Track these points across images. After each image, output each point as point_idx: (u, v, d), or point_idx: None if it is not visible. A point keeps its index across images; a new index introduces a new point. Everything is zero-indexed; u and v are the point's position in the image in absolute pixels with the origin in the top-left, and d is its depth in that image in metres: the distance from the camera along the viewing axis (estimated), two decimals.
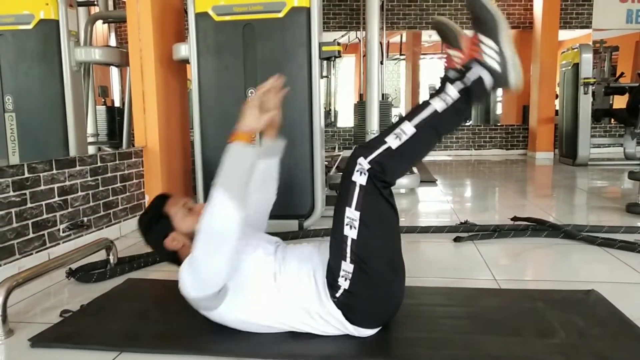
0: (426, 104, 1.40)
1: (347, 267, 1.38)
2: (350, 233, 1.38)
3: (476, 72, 1.38)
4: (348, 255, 1.38)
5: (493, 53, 1.38)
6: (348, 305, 1.40)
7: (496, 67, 1.38)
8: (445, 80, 1.41)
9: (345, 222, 1.38)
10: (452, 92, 1.37)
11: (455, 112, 1.39)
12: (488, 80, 1.39)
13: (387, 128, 1.41)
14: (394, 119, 8.93)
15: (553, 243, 2.60)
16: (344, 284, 1.39)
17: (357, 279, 1.38)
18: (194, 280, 1.36)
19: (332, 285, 1.41)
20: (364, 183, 1.36)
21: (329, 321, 1.43)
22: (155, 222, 1.54)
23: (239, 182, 1.32)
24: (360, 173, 1.36)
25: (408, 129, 1.37)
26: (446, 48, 1.48)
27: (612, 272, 2.14)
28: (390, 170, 1.37)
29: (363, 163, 1.36)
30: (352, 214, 1.37)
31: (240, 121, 1.38)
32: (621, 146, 6.47)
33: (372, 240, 1.39)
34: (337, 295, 1.40)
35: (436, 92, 1.41)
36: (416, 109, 1.41)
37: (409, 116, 1.39)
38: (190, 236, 1.50)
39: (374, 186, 1.36)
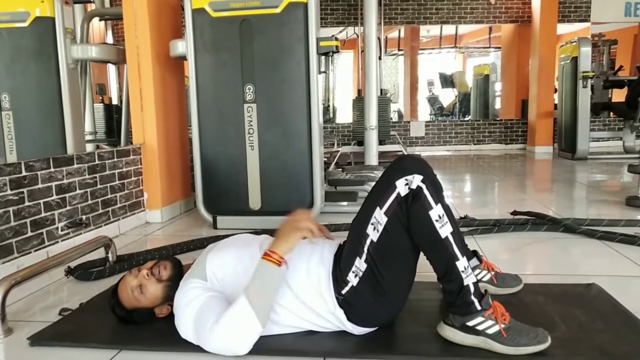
0: (463, 252, 1.36)
1: (360, 264, 1.38)
2: (372, 234, 1.37)
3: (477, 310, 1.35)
4: (364, 253, 1.38)
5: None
6: (350, 305, 1.40)
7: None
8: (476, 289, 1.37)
9: (371, 222, 1.37)
10: (469, 279, 1.35)
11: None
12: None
13: (447, 206, 1.38)
14: (393, 115, 8.92)
15: (553, 237, 2.60)
16: (353, 280, 1.39)
17: (366, 279, 1.38)
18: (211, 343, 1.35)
19: (339, 281, 1.40)
20: (403, 193, 1.35)
21: (329, 319, 1.43)
22: (131, 318, 1.54)
23: (266, 301, 1.32)
24: (407, 184, 1.35)
25: (445, 230, 1.34)
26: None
27: (612, 266, 2.13)
28: (411, 208, 1.35)
29: (416, 179, 1.34)
30: (380, 217, 1.36)
31: (278, 240, 1.36)
32: (620, 140, 6.47)
33: (391, 250, 1.38)
34: (343, 292, 1.39)
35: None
36: (462, 244, 1.37)
37: (456, 234, 1.36)
38: (164, 299, 1.51)
39: (411, 202, 1.34)
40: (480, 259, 1.76)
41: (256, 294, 1.30)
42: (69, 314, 1.69)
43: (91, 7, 5.04)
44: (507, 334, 1.32)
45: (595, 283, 1.82)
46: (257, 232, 2.67)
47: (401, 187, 1.35)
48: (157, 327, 1.54)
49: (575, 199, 3.95)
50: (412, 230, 1.35)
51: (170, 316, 1.50)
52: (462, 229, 2.70)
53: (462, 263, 1.34)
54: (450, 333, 1.37)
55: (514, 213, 2.97)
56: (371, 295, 1.39)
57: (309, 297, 1.41)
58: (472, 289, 1.34)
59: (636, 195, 3.28)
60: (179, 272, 1.54)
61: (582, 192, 4.18)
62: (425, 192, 1.34)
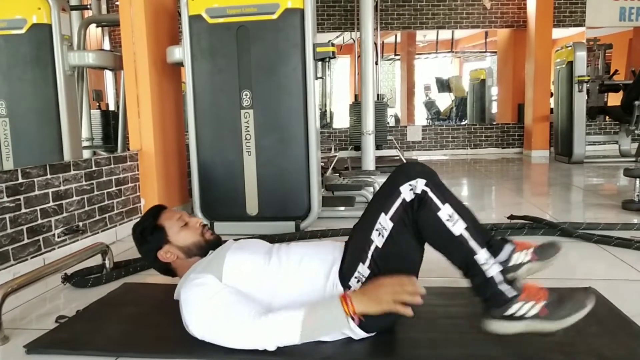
0: (483, 243, 1.35)
1: (363, 270, 1.39)
2: (377, 240, 1.37)
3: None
4: (368, 259, 1.38)
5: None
6: None
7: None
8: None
9: (376, 227, 1.38)
10: (493, 270, 1.33)
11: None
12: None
13: (458, 200, 1.40)
14: (390, 120, 8.94)
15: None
16: (355, 285, 1.39)
17: None
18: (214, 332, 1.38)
19: (344, 285, 1.41)
20: (408, 199, 1.36)
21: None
22: (150, 233, 1.56)
23: (315, 332, 1.32)
24: (411, 189, 1.35)
25: (459, 227, 1.34)
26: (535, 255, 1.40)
27: (609, 270, 2.14)
28: (419, 215, 1.35)
29: (419, 184, 1.35)
30: (385, 223, 1.37)
31: (367, 296, 1.30)
32: (616, 143, 6.50)
33: (396, 256, 1.38)
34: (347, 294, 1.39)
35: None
36: (480, 236, 1.36)
37: (471, 227, 1.35)
38: (184, 250, 1.54)
39: (418, 208, 1.35)
40: (513, 243, 1.64)
41: (313, 321, 1.30)
42: (65, 322, 1.68)
43: (88, 13, 5.05)
44: (548, 310, 1.30)
45: (591, 287, 1.82)
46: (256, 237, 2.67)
47: (406, 193, 1.36)
48: (155, 334, 1.54)
49: (571, 202, 3.96)
50: (425, 234, 1.36)
51: (166, 324, 1.50)
52: None
53: (481, 256, 1.32)
54: (496, 326, 1.34)
55: (511, 217, 2.98)
56: None
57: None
58: (497, 279, 1.32)
59: (632, 199, 3.29)
60: (204, 253, 1.56)
61: (578, 196, 4.19)
62: (431, 194, 1.35)
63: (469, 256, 1.33)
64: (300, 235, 2.78)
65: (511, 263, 1.37)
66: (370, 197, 3.43)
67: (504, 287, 1.33)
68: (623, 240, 2.42)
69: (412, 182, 1.36)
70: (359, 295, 1.32)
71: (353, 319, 1.30)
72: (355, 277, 1.39)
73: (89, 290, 2.03)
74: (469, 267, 1.34)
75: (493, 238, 1.46)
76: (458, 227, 1.34)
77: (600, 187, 4.65)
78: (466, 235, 1.34)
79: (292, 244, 1.58)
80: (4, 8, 3.14)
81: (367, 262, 1.38)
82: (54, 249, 2.44)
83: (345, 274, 1.41)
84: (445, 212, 1.34)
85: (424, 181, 1.36)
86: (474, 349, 1.40)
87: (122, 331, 1.59)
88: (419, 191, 1.35)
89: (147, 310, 1.77)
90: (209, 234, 1.60)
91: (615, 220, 2.92)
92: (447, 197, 1.37)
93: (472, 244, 1.33)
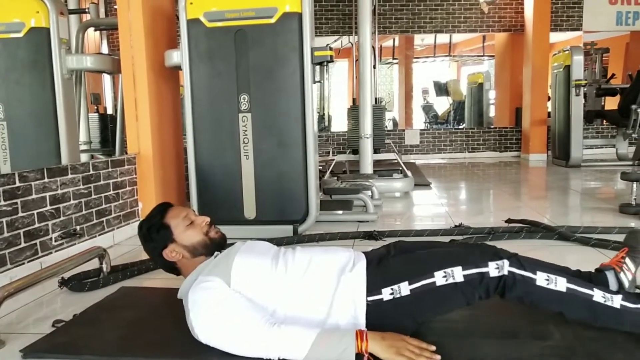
0: (591, 286, 1.39)
1: (404, 289, 1.38)
2: (439, 279, 1.37)
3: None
4: (417, 285, 1.38)
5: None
6: (367, 313, 1.40)
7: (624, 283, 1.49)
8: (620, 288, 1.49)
9: (445, 270, 1.38)
10: (617, 301, 1.37)
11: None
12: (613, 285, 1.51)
13: (546, 264, 1.45)
14: (388, 123, 8.95)
15: (547, 245, 2.61)
16: (386, 295, 1.39)
17: (399, 304, 1.38)
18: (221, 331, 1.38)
19: (370, 286, 1.40)
20: (491, 275, 1.36)
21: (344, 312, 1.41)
22: (155, 232, 1.54)
23: (322, 355, 1.29)
24: (498, 269, 1.36)
25: (561, 283, 1.37)
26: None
27: None
28: (515, 293, 1.37)
29: (505, 264, 1.36)
30: (457, 274, 1.37)
31: (381, 343, 1.30)
32: (613, 147, 6.52)
33: (443, 300, 1.40)
34: (370, 299, 1.39)
35: (604, 288, 1.43)
36: (583, 282, 1.40)
37: (572, 279, 1.39)
38: (189, 249, 1.53)
39: (492, 284, 1.37)
40: (608, 266, 1.62)
41: (322, 346, 1.29)
42: (62, 326, 1.68)
43: (86, 17, 5.05)
44: None
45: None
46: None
47: (492, 269, 1.37)
48: (152, 337, 1.54)
49: (569, 206, 3.97)
50: (539, 306, 1.40)
51: (163, 327, 1.49)
52: (456, 237, 2.70)
53: (598, 295, 1.35)
54: None
55: (509, 221, 2.98)
56: (391, 317, 1.39)
57: (338, 304, 1.40)
58: (627, 305, 1.35)
59: (629, 203, 3.29)
60: (210, 252, 1.56)
61: (576, 200, 4.20)
62: (519, 272, 1.36)
63: (588, 302, 1.35)
64: (298, 239, 2.77)
65: (626, 284, 1.47)
66: (368, 201, 3.43)
67: (633, 301, 1.36)
68: (620, 243, 2.42)
69: (499, 262, 1.37)
70: (378, 337, 1.31)
71: (362, 355, 1.29)
72: (392, 289, 1.38)
73: (86, 294, 2.02)
74: (596, 313, 1.36)
75: (590, 275, 1.53)
76: (561, 283, 1.36)
77: (597, 190, 4.66)
78: (572, 286, 1.36)
79: (297, 248, 1.57)
80: (2, 11, 3.14)
81: (414, 287, 1.38)
82: (51, 252, 2.43)
83: (381, 281, 1.40)
84: (542, 277, 1.36)
85: (507, 262, 1.37)
86: (472, 353, 1.39)
87: (119, 335, 1.59)
88: (505, 272, 1.36)
89: (145, 314, 1.76)
90: (214, 233, 1.59)
91: (613, 223, 2.92)
92: (534, 266, 1.39)
93: (583, 290, 1.36)
